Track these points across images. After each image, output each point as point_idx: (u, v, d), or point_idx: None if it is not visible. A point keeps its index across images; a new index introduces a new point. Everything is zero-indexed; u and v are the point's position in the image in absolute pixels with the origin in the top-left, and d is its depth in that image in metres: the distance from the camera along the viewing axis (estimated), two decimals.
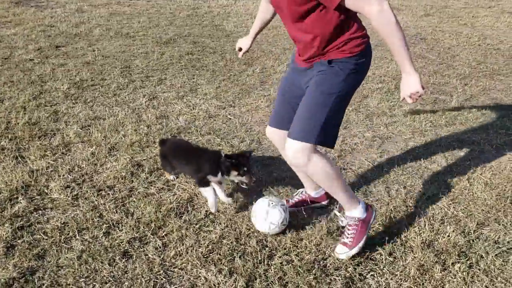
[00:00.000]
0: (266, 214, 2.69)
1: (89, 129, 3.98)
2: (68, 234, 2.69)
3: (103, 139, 3.77)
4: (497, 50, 7.10)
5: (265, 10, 2.86)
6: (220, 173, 2.87)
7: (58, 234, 2.67)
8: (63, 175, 3.26)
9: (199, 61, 6.05)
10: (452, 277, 2.47)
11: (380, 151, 3.88)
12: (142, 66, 5.72)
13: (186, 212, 2.96)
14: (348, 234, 2.56)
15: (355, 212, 2.59)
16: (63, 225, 2.77)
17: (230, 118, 4.37)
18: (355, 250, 2.54)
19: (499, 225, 2.93)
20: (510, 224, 2.93)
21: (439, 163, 3.67)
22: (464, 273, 2.48)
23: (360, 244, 2.54)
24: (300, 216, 2.96)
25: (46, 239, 2.64)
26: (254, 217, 2.76)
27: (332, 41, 2.33)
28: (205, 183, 2.87)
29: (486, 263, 2.58)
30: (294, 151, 2.40)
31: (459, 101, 4.94)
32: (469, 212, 3.06)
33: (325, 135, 2.39)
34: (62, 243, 2.62)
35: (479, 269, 2.53)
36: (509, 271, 2.53)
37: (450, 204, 3.13)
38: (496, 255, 2.64)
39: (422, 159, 3.74)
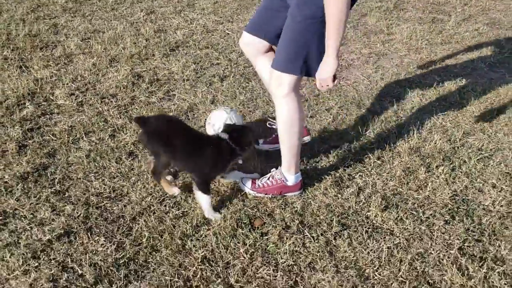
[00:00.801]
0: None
1: (89, 41, 4.02)
2: (76, 136, 2.84)
3: (103, 51, 3.83)
4: None
5: None
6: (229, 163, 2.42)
7: (66, 136, 2.82)
8: (67, 84, 3.36)
9: None
10: (435, 178, 2.66)
11: (375, 66, 3.96)
12: None
13: (187, 120, 3.10)
14: (265, 181, 2.51)
15: (288, 176, 2.47)
16: (70, 128, 2.91)
17: (228, 33, 4.39)
18: (253, 193, 2.49)
19: (484, 134, 3.09)
20: (494, 134, 3.09)
21: (433, 78, 3.77)
22: (447, 175, 2.67)
23: (260, 195, 2.49)
24: None
25: (55, 140, 2.80)
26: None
27: None
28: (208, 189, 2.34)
29: (468, 167, 2.76)
30: (278, 82, 2.24)
31: (457, 21, 4.94)
32: (456, 122, 3.21)
33: (309, 65, 2.18)
34: (71, 143, 2.78)
35: (461, 172, 2.72)
36: (488, 174, 2.72)
37: (439, 115, 3.27)
38: (478, 159, 2.83)
39: (416, 74, 3.84)
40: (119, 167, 2.61)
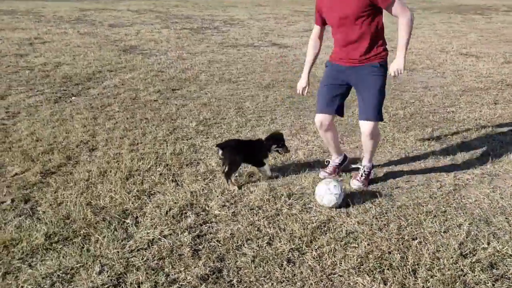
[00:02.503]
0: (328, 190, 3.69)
1: None
2: (238, 243, 3.21)
3: (240, 168, 4.34)
4: None
5: (316, 45, 4.09)
6: None
7: (230, 242, 3.19)
8: (217, 196, 3.83)
9: (301, 103, 6.64)
10: None
11: (492, 186, 4.18)
12: (252, 108, 6.39)
13: (328, 231, 3.40)
14: (363, 176, 4.11)
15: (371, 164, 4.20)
16: (230, 236, 3.30)
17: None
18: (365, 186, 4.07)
19: None
20: None
21: None
22: None
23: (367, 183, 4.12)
24: (432, 238, 3.31)
25: (221, 246, 3.17)
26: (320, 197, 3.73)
27: (372, 48, 3.69)
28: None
29: None
30: (372, 127, 3.79)
31: None
32: None
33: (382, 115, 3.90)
34: (235, 249, 3.13)
35: None
36: None
37: None
38: None
39: None
40: (283, 272, 2.90)
